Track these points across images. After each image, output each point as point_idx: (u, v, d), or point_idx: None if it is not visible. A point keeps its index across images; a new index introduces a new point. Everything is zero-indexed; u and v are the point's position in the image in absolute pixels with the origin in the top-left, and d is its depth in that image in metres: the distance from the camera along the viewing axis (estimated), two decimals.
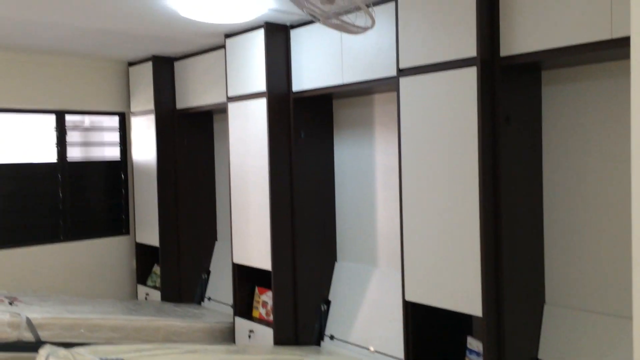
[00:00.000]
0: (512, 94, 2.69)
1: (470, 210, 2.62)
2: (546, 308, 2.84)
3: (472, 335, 3.00)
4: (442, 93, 2.72)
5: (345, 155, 3.95)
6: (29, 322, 3.40)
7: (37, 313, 3.53)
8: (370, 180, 3.78)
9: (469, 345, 2.94)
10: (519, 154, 2.73)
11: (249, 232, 3.96)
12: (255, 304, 4.14)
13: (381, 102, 3.71)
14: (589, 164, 2.69)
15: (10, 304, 3.70)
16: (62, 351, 2.77)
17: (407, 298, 2.94)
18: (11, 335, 3.34)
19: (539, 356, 2.77)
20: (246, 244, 3.99)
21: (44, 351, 2.78)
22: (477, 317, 2.72)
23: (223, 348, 3.47)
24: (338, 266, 4.01)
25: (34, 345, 3.17)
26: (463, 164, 2.64)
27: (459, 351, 3.04)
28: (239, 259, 4.06)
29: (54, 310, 3.71)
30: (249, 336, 3.96)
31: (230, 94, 4.08)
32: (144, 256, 5.23)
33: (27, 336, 3.37)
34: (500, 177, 2.63)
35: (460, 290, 2.69)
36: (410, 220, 2.89)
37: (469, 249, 2.63)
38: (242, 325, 4.05)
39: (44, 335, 3.40)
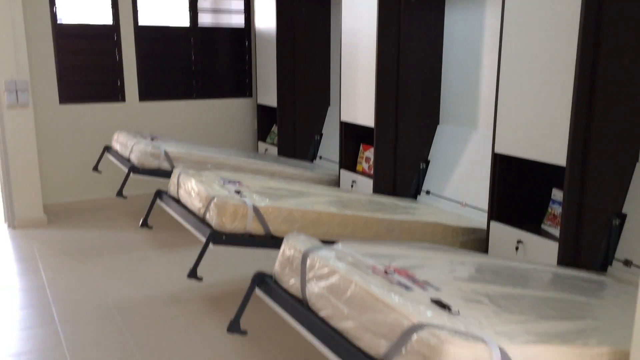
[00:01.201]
0: None
1: (565, 63, 2.66)
2: (638, 166, 2.87)
3: (559, 188, 3.12)
4: None
5: (456, 19, 3.99)
6: (166, 154, 4.04)
7: (173, 148, 4.16)
8: (477, 45, 3.83)
9: (553, 197, 3.09)
10: (626, 8, 2.67)
11: (356, 92, 4.24)
12: (359, 159, 4.51)
13: None
14: None
15: (152, 140, 4.36)
16: (191, 171, 3.34)
17: (497, 150, 3.10)
18: (153, 163, 4.01)
19: (624, 211, 2.86)
20: (353, 104, 4.28)
21: (176, 170, 3.36)
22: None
23: (328, 188, 3.90)
24: (440, 129, 4.20)
25: (171, 173, 3.77)
26: (564, 18, 2.65)
27: (544, 203, 3.19)
28: (346, 117, 4.38)
29: (187, 148, 4.33)
30: (352, 185, 4.37)
31: None
32: (265, 116, 5.76)
33: (165, 165, 4.03)
34: (602, 31, 2.61)
35: (548, 142, 2.80)
36: (507, 75, 2.98)
37: (561, 102, 2.71)
38: (346, 176, 4.46)
39: (178, 166, 4.03)
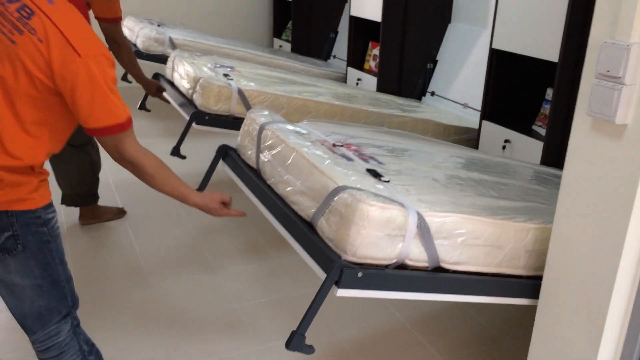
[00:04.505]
0: None
1: None
2: None
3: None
4: None
5: None
6: (171, 40, 4.03)
7: (179, 35, 4.15)
8: None
9: (546, 97, 2.99)
10: None
11: None
12: (367, 57, 4.41)
13: None
14: None
15: (158, 26, 4.34)
16: (186, 53, 3.34)
17: (494, 46, 2.99)
18: (157, 49, 4.01)
19: None
20: None
21: (173, 53, 3.37)
22: None
23: (327, 81, 3.85)
24: (451, 27, 4.04)
25: None
26: None
27: (538, 103, 3.10)
28: (355, 12, 4.25)
29: (193, 36, 4.31)
30: (357, 83, 4.31)
31: None
32: (281, 11, 5.62)
33: (170, 52, 4.02)
34: None
35: (543, 38, 2.69)
36: None
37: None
38: (353, 73, 4.39)
39: None
